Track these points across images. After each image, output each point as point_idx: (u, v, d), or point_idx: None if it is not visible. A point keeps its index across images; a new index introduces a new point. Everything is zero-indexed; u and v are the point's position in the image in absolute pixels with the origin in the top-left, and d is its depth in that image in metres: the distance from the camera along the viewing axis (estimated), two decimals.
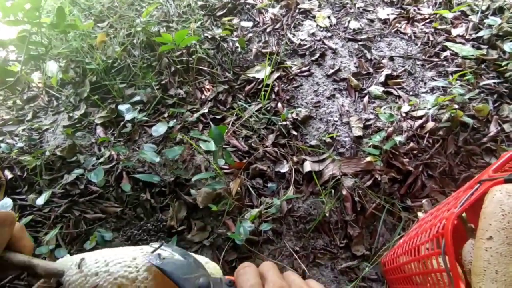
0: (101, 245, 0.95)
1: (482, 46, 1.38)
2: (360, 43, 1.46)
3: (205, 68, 1.38)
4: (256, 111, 1.26)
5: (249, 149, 1.16)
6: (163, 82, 1.36)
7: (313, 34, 1.49)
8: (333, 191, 1.07)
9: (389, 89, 1.32)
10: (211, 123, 1.19)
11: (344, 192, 1.07)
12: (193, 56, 1.38)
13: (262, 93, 1.27)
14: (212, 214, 1.04)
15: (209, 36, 1.49)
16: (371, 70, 1.37)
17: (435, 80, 1.31)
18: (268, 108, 1.27)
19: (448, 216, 0.53)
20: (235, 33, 1.52)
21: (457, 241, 0.65)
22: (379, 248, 1.01)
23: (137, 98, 1.30)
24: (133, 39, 1.46)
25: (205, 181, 1.08)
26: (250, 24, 1.51)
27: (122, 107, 1.15)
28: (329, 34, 1.50)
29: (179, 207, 1.05)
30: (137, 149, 1.21)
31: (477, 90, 1.19)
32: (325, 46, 1.45)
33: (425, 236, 0.62)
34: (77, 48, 1.39)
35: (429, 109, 1.15)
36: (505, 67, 1.28)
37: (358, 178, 1.10)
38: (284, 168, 1.12)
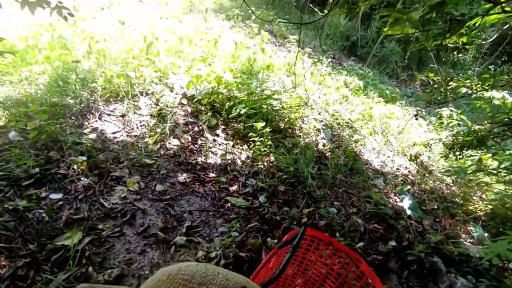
0: None
1: (249, 198, 2.02)
2: (165, 202, 1.81)
3: (1, 245, 1.31)
4: (64, 280, 1.26)
5: None
6: None
7: (124, 198, 1.74)
8: None
9: (190, 238, 1.65)
10: None
11: None
12: None
13: (71, 261, 1.31)
14: None
15: (10, 208, 1.47)
16: (175, 223, 1.70)
17: (223, 225, 1.77)
18: (78, 275, 1.30)
19: None
20: (43, 202, 1.57)
21: None
22: None
23: None
24: None
25: None
26: (60, 195, 1.61)
27: None
28: (139, 196, 1.79)
29: None
30: None
31: (244, 232, 1.70)
32: (135, 207, 1.71)
33: None
34: None
35: (218, 250, 1.52)
36: (263, 212, 1.90)
37: None
38: None
